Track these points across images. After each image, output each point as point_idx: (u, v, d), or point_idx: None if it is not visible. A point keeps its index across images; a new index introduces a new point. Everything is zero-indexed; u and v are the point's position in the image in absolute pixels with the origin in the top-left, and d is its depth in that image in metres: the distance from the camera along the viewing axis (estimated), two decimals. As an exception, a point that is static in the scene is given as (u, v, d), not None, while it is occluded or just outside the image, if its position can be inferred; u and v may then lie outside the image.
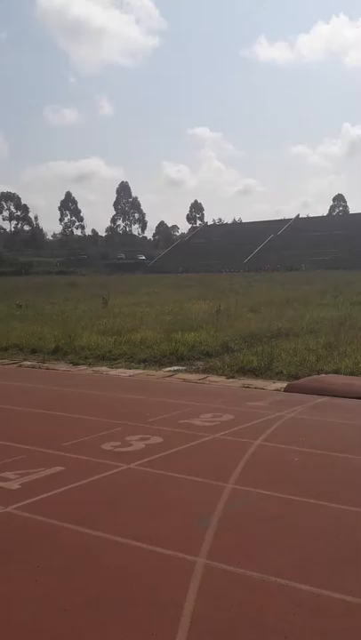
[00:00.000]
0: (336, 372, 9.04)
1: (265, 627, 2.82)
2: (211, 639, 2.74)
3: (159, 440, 5.95)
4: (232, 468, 5.04)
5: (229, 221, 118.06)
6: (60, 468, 5.11)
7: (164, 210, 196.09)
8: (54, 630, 2.84)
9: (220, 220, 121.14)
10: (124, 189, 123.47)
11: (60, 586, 3.25)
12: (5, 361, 11.45)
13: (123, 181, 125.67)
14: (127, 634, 2.80)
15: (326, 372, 9.00)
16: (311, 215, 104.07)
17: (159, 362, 10.62)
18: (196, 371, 9.86)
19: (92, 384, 9.22)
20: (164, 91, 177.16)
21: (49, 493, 4.54)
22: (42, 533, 3.91)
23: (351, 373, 8.86)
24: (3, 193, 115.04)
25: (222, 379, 9.17)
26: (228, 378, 9.19)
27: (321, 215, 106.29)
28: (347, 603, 3.02)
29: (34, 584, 3.26)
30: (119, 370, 10.27)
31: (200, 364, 10.37)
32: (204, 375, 9.47)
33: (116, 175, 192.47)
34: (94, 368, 10.50)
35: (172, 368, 10.19)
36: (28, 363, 11.15)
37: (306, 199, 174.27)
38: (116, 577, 3.33)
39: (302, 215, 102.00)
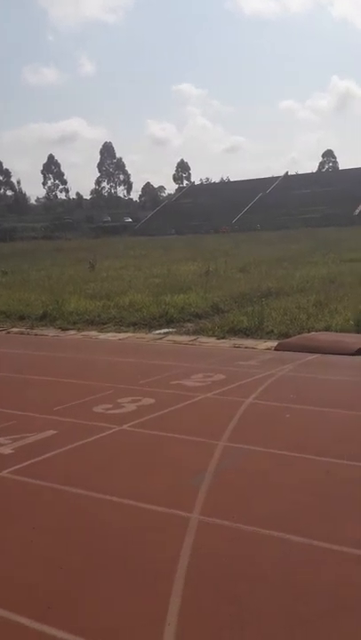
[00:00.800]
0: (327, 329, 9.07)
1: (258, 578, 2.88)
2: (205, 592, 2.79)
3: (151, 401, 5.98)
4: (224, 426, 5.09)
5: (217, 180, 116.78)
6: (52, 432, 5.14)
7: (150, 170, 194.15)
8: (52, 588, 2.89)
9: (207, 179, 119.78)
10: (107, 150, 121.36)
11: (55, 546, 3.29)
12: (-7, 328, 11.41)
13: (106, 142, 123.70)
14: (123, 589, 2.84)
15: (317, 330, 9.04)
16: (300, 172, 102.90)
17: (149, 325, 10.61)
18: (187, 332, 9.86)
19: (81, 349, 9.21)
20: (146, 47, 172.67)
21: (42, 457, 4.57)
22: (36, 496, 3.95)
23: (341, 330, 8.90)
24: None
25: (213, 339, 9.19)
26: (218, 339, 9.21)
27: (310, 172, 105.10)
28: (336, 552, 3.08)
29: (30, 545, 3.31)
30: (109, 334, 10.26)
31: (190, 325, 10.37)
32: (195, 337, 9.48)
33: (99, 136, 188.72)
34: (83, 333, 10.48)
35: (161, 331, 10.18)
36: (16, 329, 11.10)
37: (294, 155, 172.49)
38: (112, 535, 3.37)
39: (291, 172, 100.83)
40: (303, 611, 2.62)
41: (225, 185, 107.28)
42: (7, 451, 4.72)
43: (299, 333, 8.91)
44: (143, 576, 2.95)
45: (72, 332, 10.67)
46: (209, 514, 3.53)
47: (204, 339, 9.29)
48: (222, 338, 9.22)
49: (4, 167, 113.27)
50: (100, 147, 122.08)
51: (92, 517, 3.61)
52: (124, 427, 5.23)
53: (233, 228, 71.62)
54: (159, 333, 10.01)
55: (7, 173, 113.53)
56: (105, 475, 4.23)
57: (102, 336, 10.13)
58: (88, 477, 4.18)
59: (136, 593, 2.82)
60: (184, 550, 3.13)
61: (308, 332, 8.99)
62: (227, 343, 8.90)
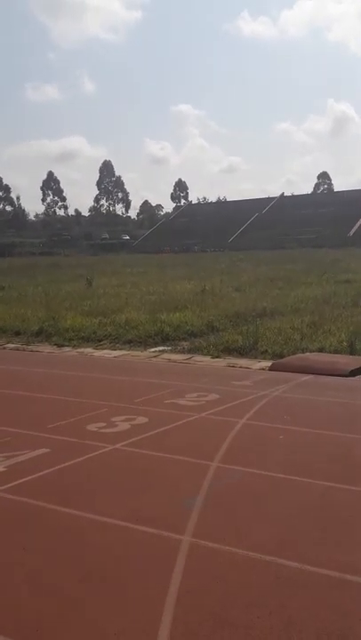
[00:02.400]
0: (321, 350, 9.09)
1: (250, 603, 2.86)
2: (197, 616, 2.77)
3: (145, 420, 5.96)
4: (217, 446, 5.07)
5: (214, 200, 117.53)
6: (45, 450, 5.11)
7: (148, 189, 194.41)
8: (41, 611, 2.85)
9: (204, 198, 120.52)
10: (107, 168, 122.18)
11: (46, 567, 3.25)
12: (-12, 344, 11.38)
13: (106, 160, 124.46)
14: (114, 612, 2.81)
15: (311, 351, 9.05)
16: (296, 193, 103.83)
17: (144, 342, 10.61)
18: (182, 351, 9.86)
19: (76, 366, 9.20)
20: (146, 66, 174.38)
21: (34, 475, 4.54)
22: (27, 515, 3.91)
23: (335, 351, 8.92)
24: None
25: (207, 358, 9.19)
26: (213, 357, 9.21)
27: (306, 193, 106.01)
28: (331, 578, 3.06)
29: (20, 566, 3.27)
30: (104, 351, 10.25)
31: (185, 344, 10.38)
32: (190, 355, 9.48)
33: (98, 154, 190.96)
34: (79, 350, 10.47)
35: (157, 348, 10.19)
36: (12, 345, 11.08)
37: (290, 177, 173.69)
38: (103, 556, 3.34)
39: (287, 193, 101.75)
40: (296, 637, 2.59)
41: (222, 205, 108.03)
42: (0, 468, 4.69)
43: (293, 354, 8.92)
44: (134, 599, 2.92)
45: (67, 348, 10.65)
46: (201, 536, 3.50)
47: (198, 357, 9.29)
48: (217, 357, 9.23)
49: (4, 183, 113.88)
50: (100, 164, 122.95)
51: (83, 538, 3.57)
52: (118, 446, 5.20)
53: (230, 245, 72.19)
54: (154, 351, 10.01)
55: (7, 189, 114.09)
56: (97, 495, 4.20)
57: (98, 353, 10.12)
58: (80, 497, 4.15)
59: (127, 616, 2.78)
60: (175, 574, 3.11)
61: (303, 352, 9.00)
62: (221, 362, 8.90)
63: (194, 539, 3.48)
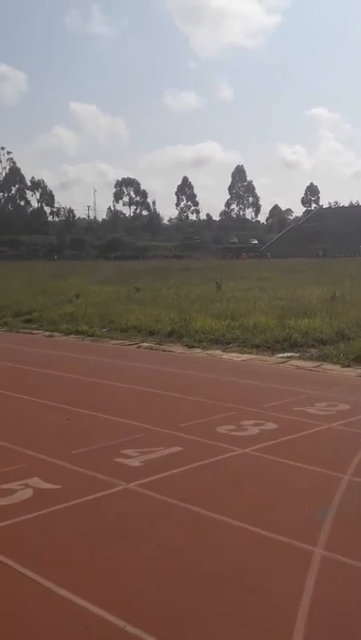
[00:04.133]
0: None
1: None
2: (329, 631, 2.73)
3: (273, 426, 5.95)
4: (349, 459, 4.94)
5: (346, 204, 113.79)
6: (178, 449, 5.26)
7: (279, 193, 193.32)
8: (174, 608, 2.93)
9: (336, 202, 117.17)
10: (239, 173, 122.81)
11: (179, 565, 3.35)
12: (125, 342, 11.90)
13: (238, 165, 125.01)
14: (244, 618, 2.84)
15: None
16: None
17: (272, 348, 10.55)
18: (310, 358, 9.69)
19: (206, 367, 9.35)
20: (282, 71, 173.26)
21: (168, 472, 4.69)
22: (162, 511, 4.05)
23: None
24: (123, 178, 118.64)
25: (337, 367, 8.95)
26: (343, 366, 8.95)
27: None
28: None
29: (155, 561, 3.39)
30: (232, 354, 10.33)
31: (314, 351, 10.17)
32: (318, 363, 9.29)
33: (231, 159, 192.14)
34: (208, 351, 10.63)
35: (285, 354, 10.09)
36: (146, 344, 11.50)
37: None
38: (233, 561, 3.37)
39: None
40: None
41: (354, 209, 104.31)
42: (135, 463, 4.90)
43: None
44: (265, 607, 2.92)
45: (197, 349, 10.87)
46: (333, 550, 3.44)
47: (328, 365, 9.07)
48: (347, 366, 8.95)
49: (142, 188, 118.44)
50: (233, 169, 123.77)
51: (215, 540, 3.63)
52: (247, 450, 5.24)
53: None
54: (282, 357, 9.92)
55: (144, 194, 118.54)
56: (228, 497, 4.26)
57: (226, 356, 10.22)
58: (211, 498, 4.23)
59: (260, 621, 2.80)
60: (307, 586, 3.08)
61: None
62: (352, 372, 8.62)
63: (326, 551, 3.42)
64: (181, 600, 3.01)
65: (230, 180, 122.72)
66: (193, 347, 11.07)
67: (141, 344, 11.55)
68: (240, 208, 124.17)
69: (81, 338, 12.61)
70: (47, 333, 13.45)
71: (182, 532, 3.75)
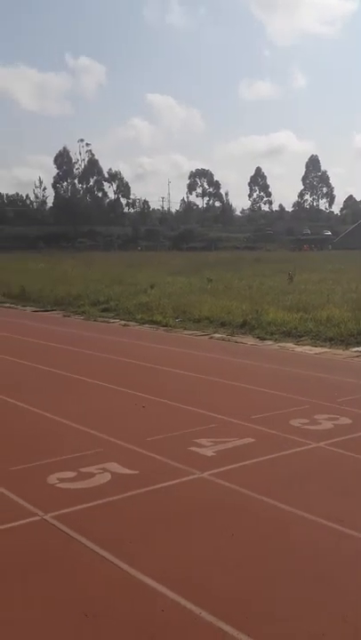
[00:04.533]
0: None
1: None
2: None
3: (348, 421, 5.86)
4: None
5: None
6: (250, 440, 5.29)
7: (354, 184, 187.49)
8: (249, 598, 2.97)
9: None
10: (313, 163, 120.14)
11: (254, 555, 3.37)
12: (197, 332, 12.00)
13: (312, 155, 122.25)
14: (317, 610, 2.84)
15: None
16: None
17: (346, 341, 10.35)
18: (388, 353, 9.43)
19: (278, 359, 9.30)
20: (359, 59, 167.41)
21: (241, 463, 4.72)
22: (236, 502, 4.08)
23: None
24: (197, 170, 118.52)
25: None
26: None
27: None
28: None
29: (230, 551, 3.43)
30: (305, 347, 10.22)
31: (391, 345, 9.89)
32: None
33: (306, 148, 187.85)
34: (280, 344, 10.56)
35: (359, 348, 9.87)
36: (218, 335, 11.55)
37: None
38: (308, 554, 3.36)
39: None
40: None
41: None
42: (209, 453, 4.97)
43: None
44: (339, 601, 2.91)
45: (269, 342, 10.81)
46: None
47: None
48: None
49: (215, 179, 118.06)
50: (306, 160, 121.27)
51: (288, 532, 3.63)
52: (321, 444, 5.19)
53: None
54: (357, 351, 9.72)
55: (217, 185, 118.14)
56: (302, 490, 4.24)
57: (298, 349, 10.12)
58: (285, 491, 4.22)
59: (329, 615, 2.79)
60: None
61: None
62: None
63: None
64: (256, 590, 3.03)
65: (304, 170, 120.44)
66: (265, 339, 11.02)
67: (213, 335, 11.61)
68: (314, 199, 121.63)
69: (155, 327, 12.81)
70: (123, 322, 13.75)
71: (256, 523, 3.78)
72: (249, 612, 2.86)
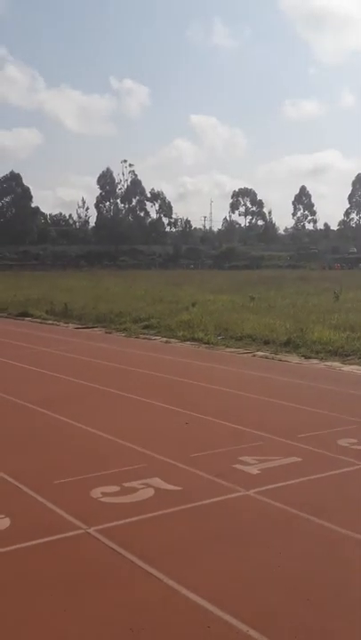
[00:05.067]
0: None
1: None
2: None
3: None
4: None
5: None
6: (297, 459, 5.16)
7: None
8: (297, 617, 2.88)
9: None
10: (360, 181, 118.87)
11: (302, 575, 3.28)
12: (240, 350, 11.89)
13: (359, 173, 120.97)
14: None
15: None
16: None
17: (396, 361, 10.07)
18: None
19: (324, 378, 9.11)
20: None
21: (287, 482, 4.62)
22: (282, 520, 3.99)
23: None
24: (240, 189, 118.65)
25: None
26: None
27: None
28: None
29: (277, 569, 3.34)
30: (352, 366, 9.98)
31: None
32: None
33: (352, 167, 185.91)
34: (326, 363, 10.35)
35: None
36: (261, 353, 11.41)
37: None
38: (357, 573, 3.26)
39: None
40: None
41: None
42: (254, 471, 4.87)
43: None
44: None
45: (315, 360, 10.62)
46: None
47: None
48: None
49: (258, 198, 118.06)
50: (353, 178, 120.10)
51: (337, 552, 3.53)
52: (371, 465, 5.03)
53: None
54: None
55: (260, 204, 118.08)
56: (350, 511, 4.11)
57: (346, 368, 9.90)
58: (333, 510, 4.10)
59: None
60: None
61: None
62: None
63: None
64: (305, 609, 2.94)
65: (350, 188, 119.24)
66: (310, 357, 10.83)
67: (256, 353, 11.48)
68: (360, 217, 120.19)
69: (197, 345, 12.76)
70: (164, 339, 13.76)
71: (304, 542, 3.68)
72: (297, 629, 2.77)
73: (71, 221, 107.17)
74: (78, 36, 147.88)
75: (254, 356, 11.27)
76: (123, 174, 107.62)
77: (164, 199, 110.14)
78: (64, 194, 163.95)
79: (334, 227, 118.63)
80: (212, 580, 3.21)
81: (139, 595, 3.09)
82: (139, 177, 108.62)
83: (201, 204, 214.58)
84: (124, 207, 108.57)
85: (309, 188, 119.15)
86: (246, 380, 9.01)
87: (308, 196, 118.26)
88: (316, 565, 3.39)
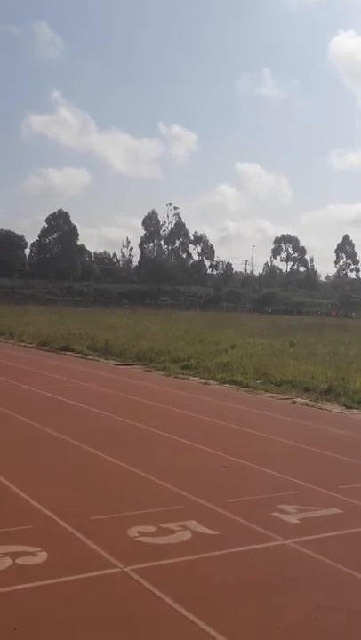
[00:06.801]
0: None
1: None
2: None
3: None
4: None
5: None
6: (337, 510, 5.05)
7: None
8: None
9: None
10: None
11: (341, 630, 3.19)
12: (279, 396, 11.76)
13: None
14: None
15: None
16: None
17: None
18: None
19: (366, 430, 8.92)
20: None
21: (328, 534, 4.52)
22: (322, 572, 3.90)
23: None
24: (283, 235, 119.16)
25: None
26: None
27: None
28: None
29: (315, 623, 3.26)
30: (395, 419, 9.75)
31: None
32: None
33: None
34: (368, 414, 10.14)
35: None
36: (301, 400, 11.27)
37: None
38: None
39: None
40: None
41: None
42: (293, 520, 4.78)
43: None
44: None
45: (356, 411, 10.41)
46: None
47: None
48: None
49: (301, 245, 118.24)
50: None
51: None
52: None
53: None
54: None
55: (303, 251, 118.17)
56: (393, 569, 3.98)
57: (388, 420, 9.67)
58: (375, 567, 3.99)
59: None
60: None
61: None
62: None
63: None
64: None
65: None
66: (351, 407, 10.63)
67: (296, 399, 11.34)
68: None
69: (235, 388, 12.68)
70: (203, 380, 13.72)
71: (344, 596, 3.58)
72: None
73: (115, 260, 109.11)
74: (130, 81, 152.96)
75: (294, 402, 11.12)
76: (167, 216, 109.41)
77: (206, 242, 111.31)
78: (109, 233, 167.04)
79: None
80: (248, 629, 3.16)
81: (174, 637, 3.05)
82: (183, 220, 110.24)
83: (243, 248, 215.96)
84: (168, 248, 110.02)
85: (353, 238, 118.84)
86: (286, 427, 8.89)
87: (352, 245, 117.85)
88: (356, 622, 3.28)
